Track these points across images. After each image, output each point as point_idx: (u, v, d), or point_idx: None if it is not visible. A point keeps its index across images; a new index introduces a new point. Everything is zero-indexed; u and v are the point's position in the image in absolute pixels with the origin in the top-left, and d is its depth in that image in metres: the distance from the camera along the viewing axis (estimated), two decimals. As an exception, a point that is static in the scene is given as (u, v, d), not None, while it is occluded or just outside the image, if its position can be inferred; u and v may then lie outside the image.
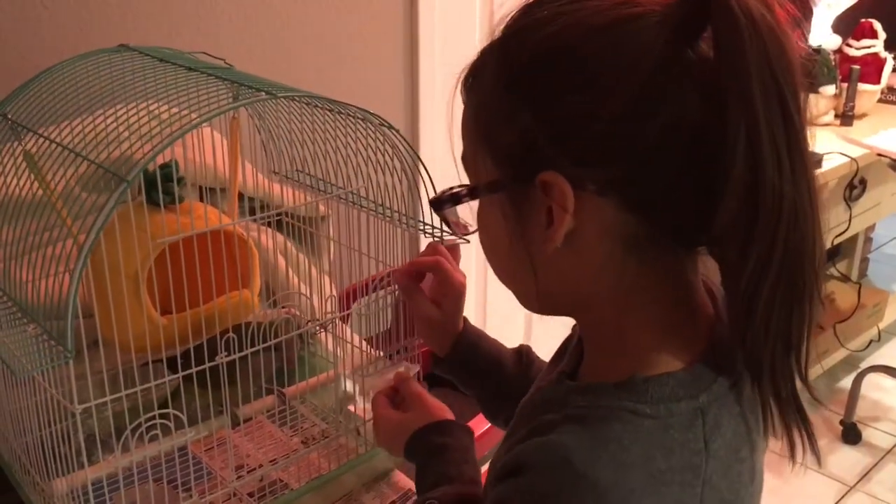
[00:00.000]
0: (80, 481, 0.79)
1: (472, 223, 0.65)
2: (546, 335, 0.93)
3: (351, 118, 0.85)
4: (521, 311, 0.69)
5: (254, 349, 0.85)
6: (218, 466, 0.93)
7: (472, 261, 0.66)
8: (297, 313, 1.05)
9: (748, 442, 0.59)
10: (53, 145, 0.84)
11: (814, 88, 2.58)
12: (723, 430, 0.56)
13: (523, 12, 0.58)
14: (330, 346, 1.07)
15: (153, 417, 0.76)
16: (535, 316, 0.67)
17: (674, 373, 0.56)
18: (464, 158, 0.63)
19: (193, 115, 0.77)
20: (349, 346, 1.02)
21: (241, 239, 0.95)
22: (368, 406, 0.93)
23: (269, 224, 1.10)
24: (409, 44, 1.70)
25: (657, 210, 0.55)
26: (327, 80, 1.51)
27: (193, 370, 0.80)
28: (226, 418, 0.90)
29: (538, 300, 0.62)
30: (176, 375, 0.80)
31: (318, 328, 1.00)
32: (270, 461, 0.94)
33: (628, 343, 0.59)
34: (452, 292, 0.86)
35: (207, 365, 0.82)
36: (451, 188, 0.63)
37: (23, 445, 0.86)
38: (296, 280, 1.13)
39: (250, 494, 0.90)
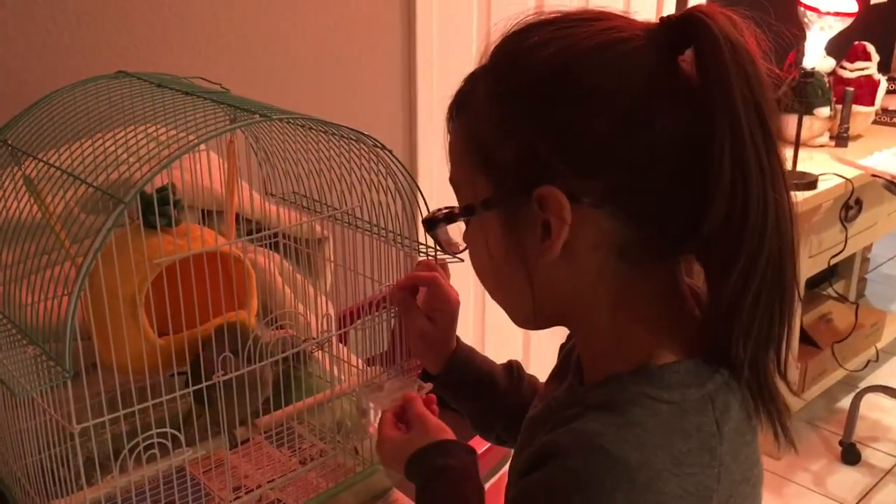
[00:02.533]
0: (79, 503, 0.80)
1: (462, 242, 0.67)
2: (543, 349, 0.94)
3: (345, 140, 0.87)
4: (518, 329, 0.71)
5: (250, 368, 0.86)
6: (216, 487, 0.94)
7: (471, 277, 0.67)
8: (294, 333, 1.06)
9: (750, 428, 0.62)
10: (53, 169, 0.85)
11: (808, 110, 2.62)
12: (731, 414, 0.59)
13: (514, 39, 0.61)
14: (327, 366, 1.07)
15: (150, 437, 0.76)
16: (533, 333, 0.69)
17: (682, 361, 0.59)
18: (453, 181, 0.65)
19: (191, 138, 0.78)
20: (346, 365, 1.02)
21: (237, 260, 0.96)
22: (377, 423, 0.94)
23: (266, 245, 1.11)
24: (406, 66, 1.72)
25: (649, 218, 0.58)
26: (326, 103, 1.52)
27: (190, 389, 0.81)
28: (223, 439, 0.90)
29: (533, 313, 0.65)
30: (172, 395, 0.80)
31: (314, 347, 1.01)
32: (268, 481, 0.95)
33: (623, 343, 0.61)
34: (447, 308, 0.87)
35: (204, 384, 0.82)
36: (444, 208, 0.65)
37: (22, 468, 0.87)
38: (293, 300, 1.14)
39: (248, 515, 0.91)
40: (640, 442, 0.55)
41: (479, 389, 0.90)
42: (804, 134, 2.48)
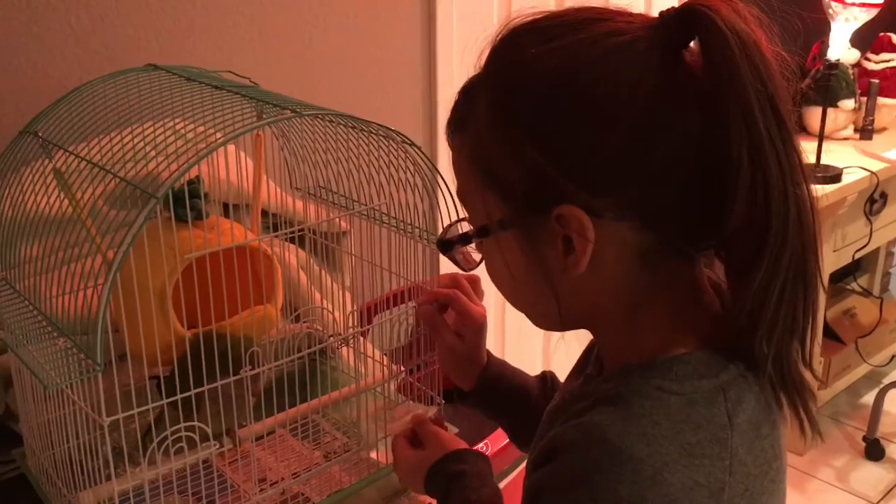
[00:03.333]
0: (107, 493, 0.80)
1: (476, 255, 0.67)
2: (564, 353, 0.94)
3: (373, 136, 0.86)
4: (538, 330, 0.71)
5: (277, 363, 0.86)
6: (240, 480, 0.94)
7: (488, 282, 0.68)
8: (319, 328, 1.06)
9: (768, 420, 0.60)
10: (82, 163, 0.85)
11: (832, 102, 2.58)
12: (744, 406, 0.58)
13: (511, 51, 0.59)
14: (351, 361, 1.07)
15: (179, 430, 0.77)
16: (553, 334, 0.69)
17: (693, 353, 0.58)
18: (461, 194, 0.64)
19: (219, 134, 0.78)
20: (370, 360, 1.02)
21: (264, 255, 0.96)
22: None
23: (290, 240, 1.11)
24: (426, 60, 1.72)
25: (670, 223, 0.57)
26: (347, 98, 1.52)
27: (219, 383, 0.82)
28: (250, 432, 0.91)
29: (559, 321, 0.64)
30: (200, 389, 0.81)
31: (339, 343, 1.01)
32: (292, 475, 0.95)
33: (639, 338, 0.61)
34: (473, 324, 0.87)
35: (232, 379, 0.83)
36: (455, 228, 0.65)
37: (49, 458, 0.88)
38: (317, 296, 1.14)
39: (273, 508, 0.91)
40: (645, 433, 0.54)
41: (513, 403, 0.90)
42: (828, 127, 2.45)
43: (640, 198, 0.56)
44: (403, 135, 0.83)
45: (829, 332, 2.69)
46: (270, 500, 0.92)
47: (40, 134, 0.87)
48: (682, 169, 0.55)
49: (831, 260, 2.46)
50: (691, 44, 0.56)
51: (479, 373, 0.89)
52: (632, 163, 0.55)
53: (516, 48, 0.59)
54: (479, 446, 1.49)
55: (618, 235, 0.57)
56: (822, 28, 2.55)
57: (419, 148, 0.84)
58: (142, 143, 0.83)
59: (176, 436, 0.77)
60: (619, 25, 0.56)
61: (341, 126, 0.88)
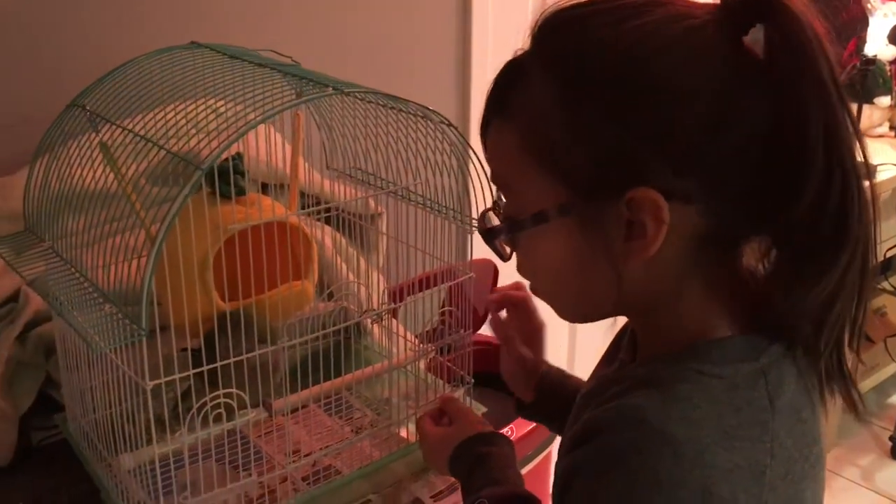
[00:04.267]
0: (146, 457, 0.83)
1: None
2: (590, 340, 0.94)
3: (410, 116, 0.88)
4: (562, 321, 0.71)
5: (312, 335, 0.88)
6: (272, 451, 0.97)
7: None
8: (351, 306, 1.08)
9: (809, 403, 0.61)
10: (128, 138, 0.88)
11: (868, 99, 2.56)
12: (785, 388, 0.58)
13: (574, 31, 0.58)
14: (382, 341, 1.09)
15: (217, 397, 0.79)
16: (580, 325, 0.69)
17: (735, 336, 0.59)
18: (504, 180, 0.62)
19: (256, 113, 0.80)
20: (401, 340, 1.04)
21: (301, 231, 0.98)
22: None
23: (325, 221, 1.13)
24: (461, 46, 1.73)
25: (736, 209, 0.57)
26: (381, 80, 1.54)
27: (257, 353, 0.84)
28: (285, 403, 0.93)
29: (606, 311, 0.64)
30: (239, 358, 0.83)
31: (372, 318, 1.03)
32: (322, 448, 0.97)
33: (685, 323, 0.61)
34: (538, 332, 0.87)
35: (270, 349, 0.85)
36: (490, 215, 0.64)
37: (91, 423, 0.90)
38: (350, 276, 1.16)
39: (303, 478, 0.93)
40: (685, 416, 0.54)
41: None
42: (863, 123, 2.43)
43: (712, 182, 0.56)
44: (441, 115, 0.85)
45: (857, 331, 2.65)
46: (301, 471, 0.94)
47: (87, 107, 0.90)
48: (753, 154, 0.55)
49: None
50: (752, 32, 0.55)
51: (538, 382, 0.89)
52: (708, 145, 0.55)
53: (584, 29, 0.58)
54: (505, 430, 1.51)
55: (684, 219, 0.57)
56: (859, 24, 2.52)
57: (456, 128, 0.85)
58: (183, 121, 0.85)
59: (214, 402, 0.79)
60: (681, 10, 0.56)
61: (378, 106, 0.89)
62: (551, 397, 0.89)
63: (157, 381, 0.76)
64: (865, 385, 2.66)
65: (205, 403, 0.79)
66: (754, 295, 0.61)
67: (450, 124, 0.85)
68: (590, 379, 0.78)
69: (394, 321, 1.07)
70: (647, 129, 0.55)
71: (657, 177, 0.55)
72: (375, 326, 1.09)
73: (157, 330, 0.83)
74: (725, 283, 0.61)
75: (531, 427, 1.52)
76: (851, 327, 0.58)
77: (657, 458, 0.52)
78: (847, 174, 0.54)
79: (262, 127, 0.95)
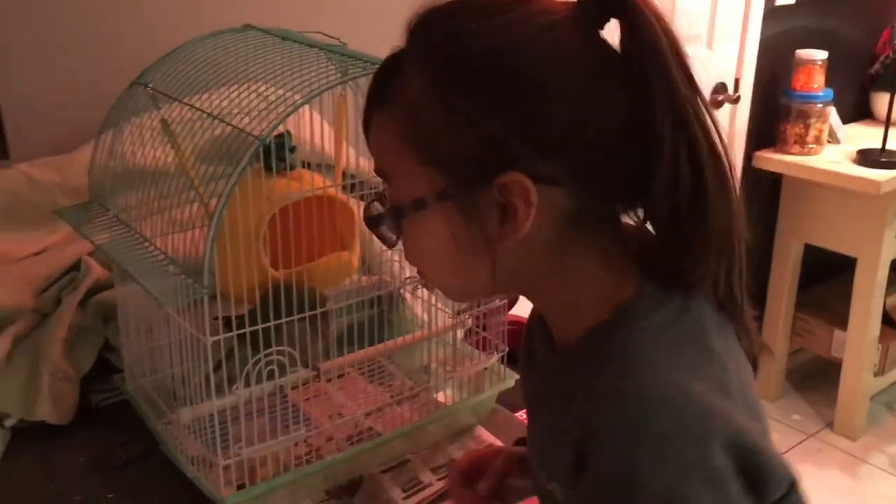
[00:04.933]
0: (205, 411, 0.89)
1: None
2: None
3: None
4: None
5: (357, 299, 0.94)
6: (315, 414, 1.02)
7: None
8: (389, 279, 1.14)
9: (730, 331, 0.65)
10: (185, 114, 0.94)
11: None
12: (706, 315, 0.62)
13: (447, 27, 0.62)
14: (418, 311, 1.15)
15: (270, 354, 0.85)
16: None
17: (642, 289, 0.62)
18: (385, 170, 0.65)
19: (304, 93, 0.85)
20: (436, 310, 1.09)
21: (345, 206, 1.04)
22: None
23: (361, 197, 1.18)
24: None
25: (601, 187, 0.61)
26: None
27: (307, 314, 0.90)
28: (332, 365, 0.98)
29: (491, 290, 0.69)
30: (290, 318, 0.89)
31: (407, 291, 1.08)
32: (365, 413, 1.02)
33: (584, 295, 0.64)
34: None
35: (318, 311, 0.91)
36: (376, 199, 0.66)
37: (151, 382, 0.97)
38: (388, 253, 1.21)
39: (346, 438, 0.99)
40: (655, 373, 0.57)
41: None
42: (895, 112, 2.43)
43: (577, 164, 0.60)
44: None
45: (887, 320, 2.66)
46: (342, 431, 0.99)
47: (150, 86, 0.96)
48: (612, 140, 0.60)
49: (893, 246, 2.46)
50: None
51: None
52: (570, 132, 0.59)
53: (455, 24, 0.61)
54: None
55: (552, 200, 0.60)
56: (893, 13, 2.52)
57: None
58: (237, 100, 0.91)
59: (268, 359, 0.85)
60: (544, 6, 0.61)
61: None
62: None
63: (216, 337, 0.82)
64: (893, 375, 2.68)
65: (259, 359, 0.85)
66: (640, 250, 0.65)
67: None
68: (531, 377, 0.76)
69: (429, 294, 1.13)
70: (513, 117, 0.58)
71: (525, 162, 0.59)
72: (411, 299, 1.14)
73: (218, 293, 0.89)
74: (613, 248, 0.64)
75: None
76: (739, 281, 0.63)
77: (663, 424, 0.55)
78: (697, 157, 0.59)
79: (306, 108, 1.01)
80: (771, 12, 2.46)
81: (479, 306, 1.04)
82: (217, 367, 0.91)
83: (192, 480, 0.90)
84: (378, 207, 0.65)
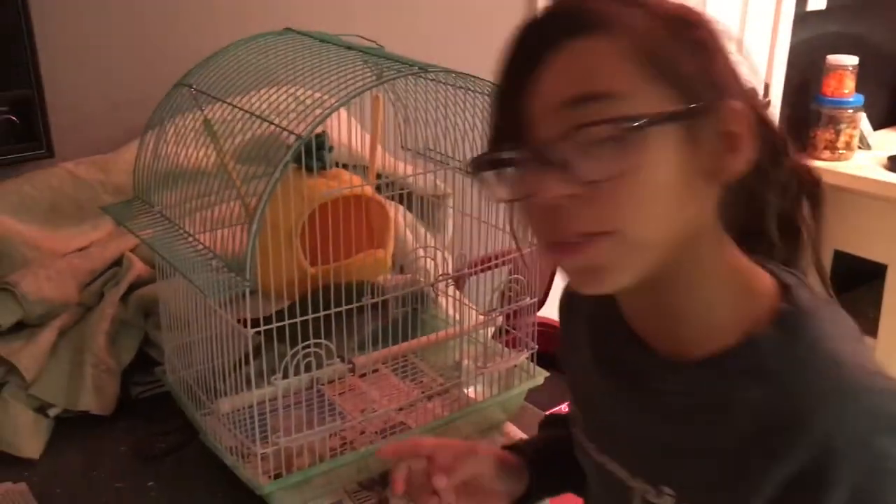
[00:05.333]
0: (242, 402, 0.92)
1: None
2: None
3: (481, 95, 0.95)
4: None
5: (392, 294, 0.96)
6: (348, 408, 1.05)
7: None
8: (421, 279, 1.16)
9: None
10: (227, 115, 0.97)
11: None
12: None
13: None
14: (448, 310, 1.17)
15: (308, 346, 0.88)
16: None
17: (784, 287, 0.63)
18: (592, 94, 0.56)
19: (341, 95, 0.88)
20: (466, 308, 1.11)
21: (379, 204, 1.06)
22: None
23: (396, 198, 1.21)
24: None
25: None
26: (455, 57, 1.61)
27: (343, 308, 0.92)
28: (367, 360, 1.00)
29: (670, 248, 0.59)
30: (327, 311, 0.91)
31: (438, 289, 1.10)
32: (395, 407, 1.05)
33: (749, 287, 0.63)
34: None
35: (354, 305, 0.93)
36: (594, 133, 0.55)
37: (192, 374, 1.00)
38: (421, 252, 1.24)
39: (376, 432, 1.01)
40: (857, 365, 0.57)
41: (565, 475, 0.83)
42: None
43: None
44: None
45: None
46: (374, 426, 1.02)
47: (194, 87, 0.99)
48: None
49: None
50: None
51: (517, 469, 0.82)
52: None
53: None
54: (560, 409, 1.57)
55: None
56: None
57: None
58: (277, 103, 0.94)
59: (305, 351, 0.88)
60: None
61: (451, 87, 0.97)
62: (538, 484, 0.83)
63: (256, 329, 0.85)
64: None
65: (297, 351, 0.87)
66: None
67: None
68: (604, 387, 0.70)
69: (459, 293, 1.15)
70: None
71: (738, 94, 0.59)
72: (443, 298, 1.16)
73: (260, 288, 0.91)
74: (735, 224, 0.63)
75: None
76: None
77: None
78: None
79: (342, 109, 1.04)
80: (801, 17, 2.46)
81: (509, 304, 1.06)
82: (255, 359, 0.94)
83: (230, 469, 0.93)
84: (596, 133, 0.55)
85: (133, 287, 1.12)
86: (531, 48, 0.58)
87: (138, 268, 1.12)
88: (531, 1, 1.77)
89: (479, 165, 0.61)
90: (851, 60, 2.43)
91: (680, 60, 0.57)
